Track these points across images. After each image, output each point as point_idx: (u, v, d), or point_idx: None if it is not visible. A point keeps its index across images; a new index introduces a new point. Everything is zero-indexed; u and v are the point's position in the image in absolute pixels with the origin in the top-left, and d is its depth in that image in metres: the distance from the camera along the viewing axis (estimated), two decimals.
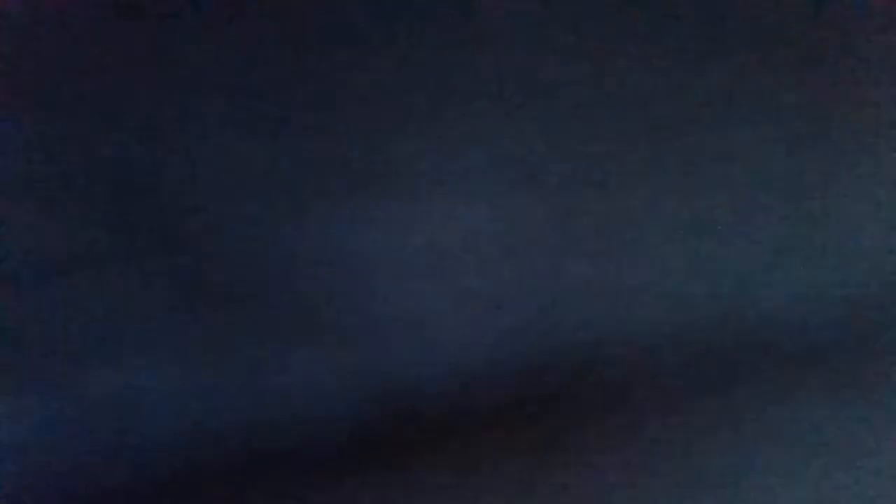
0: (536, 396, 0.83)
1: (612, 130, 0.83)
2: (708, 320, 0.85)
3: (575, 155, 0.83)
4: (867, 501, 0.81)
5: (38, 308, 0.78)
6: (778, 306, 0.86)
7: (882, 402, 0.84)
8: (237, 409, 0.80)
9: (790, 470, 0.82)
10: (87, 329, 0.79)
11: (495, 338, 0.83)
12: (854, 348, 0.86)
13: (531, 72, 0.81)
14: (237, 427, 0.80)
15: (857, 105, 0.85)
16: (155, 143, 0.78)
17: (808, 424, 0.83)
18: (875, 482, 0.81)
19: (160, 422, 0.80)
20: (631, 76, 0.82)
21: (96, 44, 0.76)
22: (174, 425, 0.80)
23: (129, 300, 0.79)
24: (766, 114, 0.85)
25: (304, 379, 0.81)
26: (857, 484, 0.81)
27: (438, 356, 0.82)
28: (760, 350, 0.85)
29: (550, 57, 0.81)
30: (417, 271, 0.82)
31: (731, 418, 0.84)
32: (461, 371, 0.83)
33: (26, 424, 0.78)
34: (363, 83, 0.79)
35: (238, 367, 0.80)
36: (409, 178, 0.81)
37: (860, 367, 0.86)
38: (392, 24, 0.79)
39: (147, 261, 0.79)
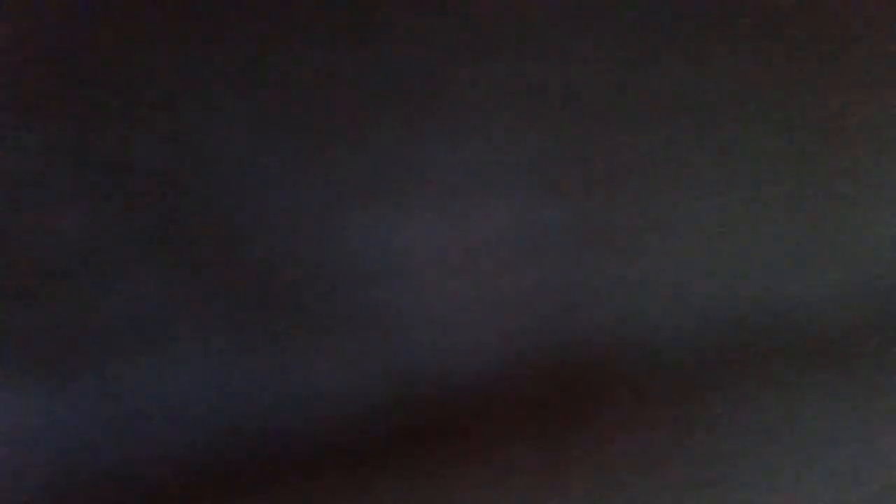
0: (555, 394, 0.83)
1: (628, 131, 0.84)
2: (725, 319, 0.86)
3: (592, 156, 0.84)
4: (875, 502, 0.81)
5: (58, 306, 0.78)
6: (792, 304, 0.87)
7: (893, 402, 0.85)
8: (259, 410, 0.81)
9: (802, 468, 0.82)
10: (106, 329, 0.79)
11: (514, 336, 0.83)
12: (869, 347, 0.87)
13: (548, 76, 0.82)
14: (259, 427, 0.80)
15: (874, 102, 0.87)
16: (182, 145, 0.78)
17: (821, 423, 0.84)
18: (886, 483, 0.82)
19: (182, 422, 0.79)
20: (647, 77, 0.83)
21: (103, 39, 0.77)
22: (195, 425, 0.80)
23: (150, 300, 0.79)
24: (782, 111, 0.86)
25: (326, 379, 0.81)
26: (867, 484, 0.82)
27: (460, 355, 0.82)
28: (777, 349, 0.86)
29: (568, 61, 0.82)
30: (439, 272, 0.82)
31: (746, 417, 0.84)
32: (482, 369, 0.83)
33: (40, 422, 0.78)
34: (387, 87, 0.80)
35: (260, 367, 0.81)
36: (431, 181, 0.82)
37: (874, 366, 0.86)
38: (416, 28, 0.80)
39: (170, 261, 0.79)
